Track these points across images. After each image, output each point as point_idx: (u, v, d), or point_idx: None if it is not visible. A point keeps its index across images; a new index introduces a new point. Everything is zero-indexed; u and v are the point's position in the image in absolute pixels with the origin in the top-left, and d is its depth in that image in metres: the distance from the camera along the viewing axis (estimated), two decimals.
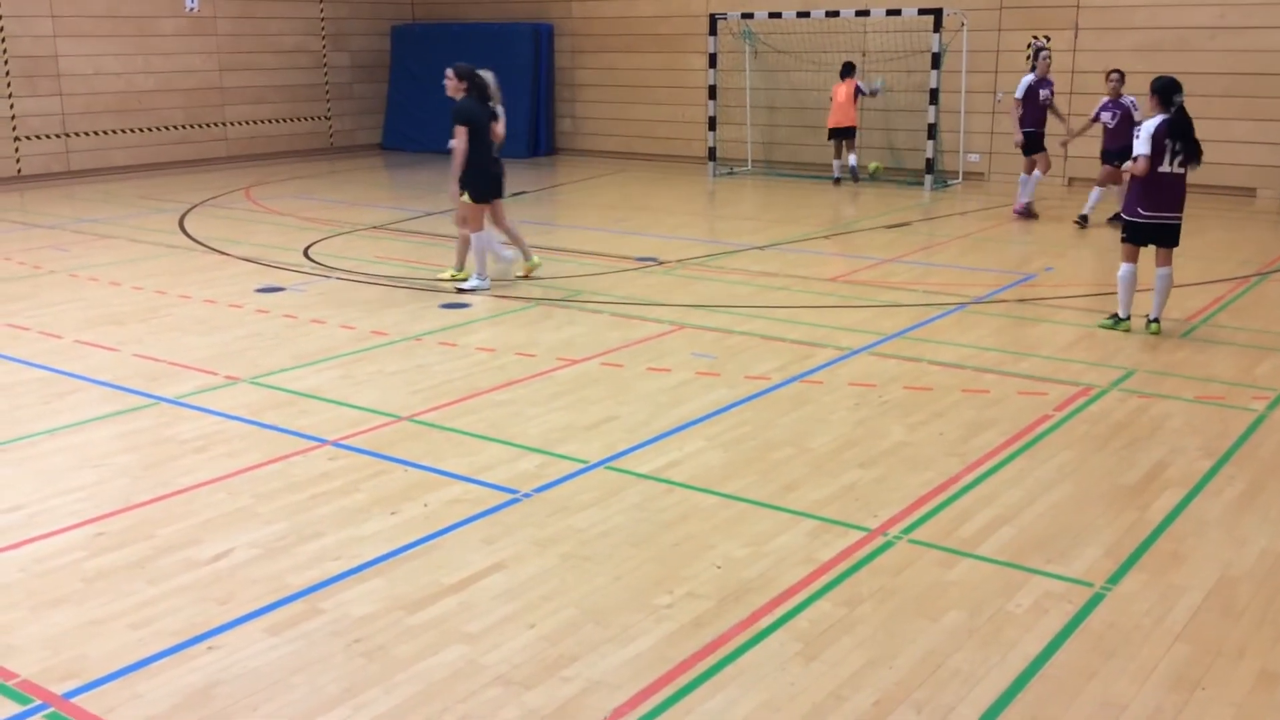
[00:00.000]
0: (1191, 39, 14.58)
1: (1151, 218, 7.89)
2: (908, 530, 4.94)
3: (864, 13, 16.04)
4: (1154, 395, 6.80)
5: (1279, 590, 4.43)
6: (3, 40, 16.21)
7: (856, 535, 4.89)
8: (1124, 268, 8.12)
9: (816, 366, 7.37)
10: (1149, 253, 8.09)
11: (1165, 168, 7.77)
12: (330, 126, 20.74)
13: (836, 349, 7.75)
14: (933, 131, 15.59)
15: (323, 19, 20.29)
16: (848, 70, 15.77)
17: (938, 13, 15.25)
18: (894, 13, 15.74)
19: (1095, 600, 4.33)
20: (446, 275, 9.87)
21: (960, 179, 16.20)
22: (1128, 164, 7.98)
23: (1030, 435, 6.10)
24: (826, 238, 12.09)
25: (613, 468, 5.69)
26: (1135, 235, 8.02)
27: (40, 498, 5.34)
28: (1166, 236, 7.96)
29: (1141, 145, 7.74)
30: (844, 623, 4.17)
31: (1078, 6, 15.35)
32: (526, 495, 5.35)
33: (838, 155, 16.06)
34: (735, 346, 7.85)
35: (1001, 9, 15.87)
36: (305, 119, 20.25)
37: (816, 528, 4.97)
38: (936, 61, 15.39)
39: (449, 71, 9.45)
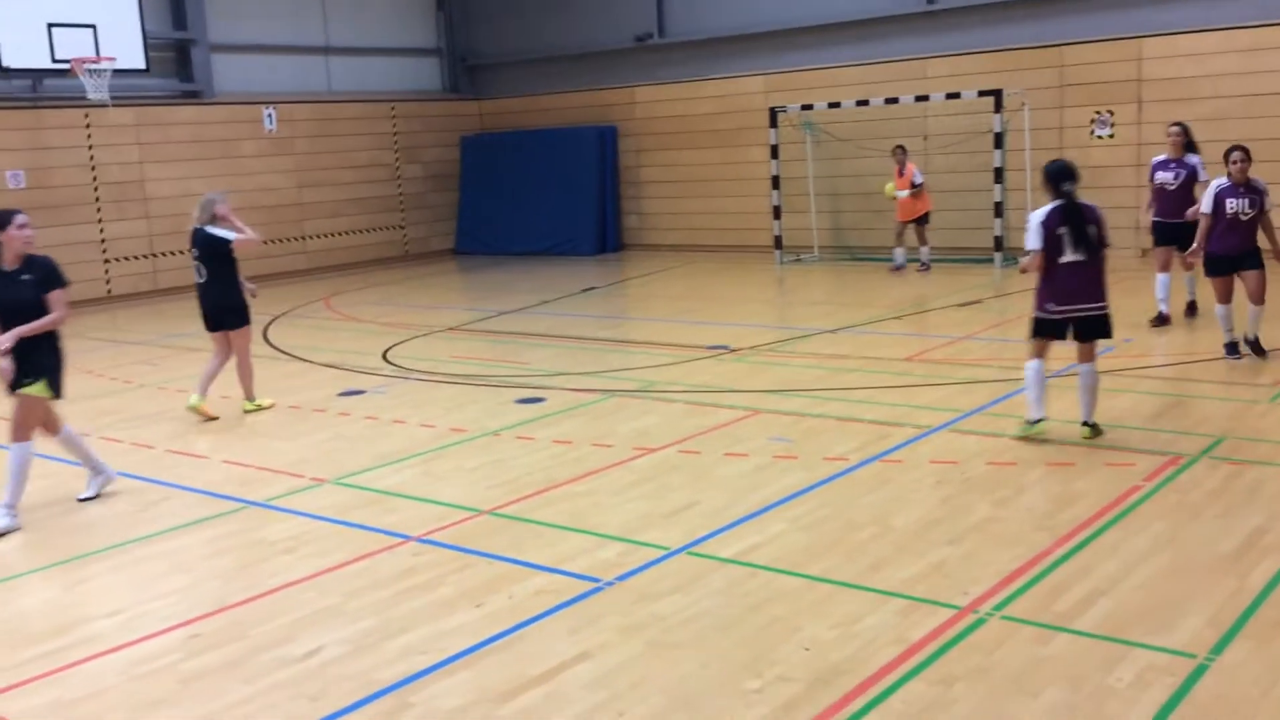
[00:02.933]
0: (1261, 106, 14.46)
1: (1063, 312, 7.09)
2: (1000, 607, 4.83)
3: (923, 98, 16.20)
4: (1245, 461, 6.62)
5: None
6: (93, 169, 17.04)
7: (947, 613, 4.79)
8: (1031, 364, 7.23)
9: (895, 446, 7.31)
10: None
11: (1068, 257, 6.98)
12: (405, 235, 21.34)
13: (915, 427, 7.68)
14: (999, 210, 15.57)
15: (395, 133, 21.03)
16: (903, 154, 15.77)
17: (998, 93, 15.35)
18: (953, 96, 15.87)
19: (1199, 671, 4.19)
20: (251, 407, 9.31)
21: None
22: (1024, 260, 7.24)
23: (1121, 506, 5.96)
24: (897, 319, 12.06)
25: (695, 553, 5.67)
26: (1044, 330, 7.21)
27: (136, 602, 5.47)
28: (1086, 329, 7.13)
29: (1032, 238, 7.05)
30: (939, 703, 4.08)
31: (1139, 80, 15.35)
32: (609, 584, 5.34)
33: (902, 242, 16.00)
34: (812, 429, 7.83)
35: (1063, 87, 15.93)
36: (381, 229, 20.87)
37: (905, 607, 4.88)
38: (1000, 141, 15.45)
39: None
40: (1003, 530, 5.72)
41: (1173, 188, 10.41)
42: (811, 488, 6.57)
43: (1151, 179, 10.60)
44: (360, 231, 20.54)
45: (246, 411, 9.27)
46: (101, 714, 4.37)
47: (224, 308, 9.17)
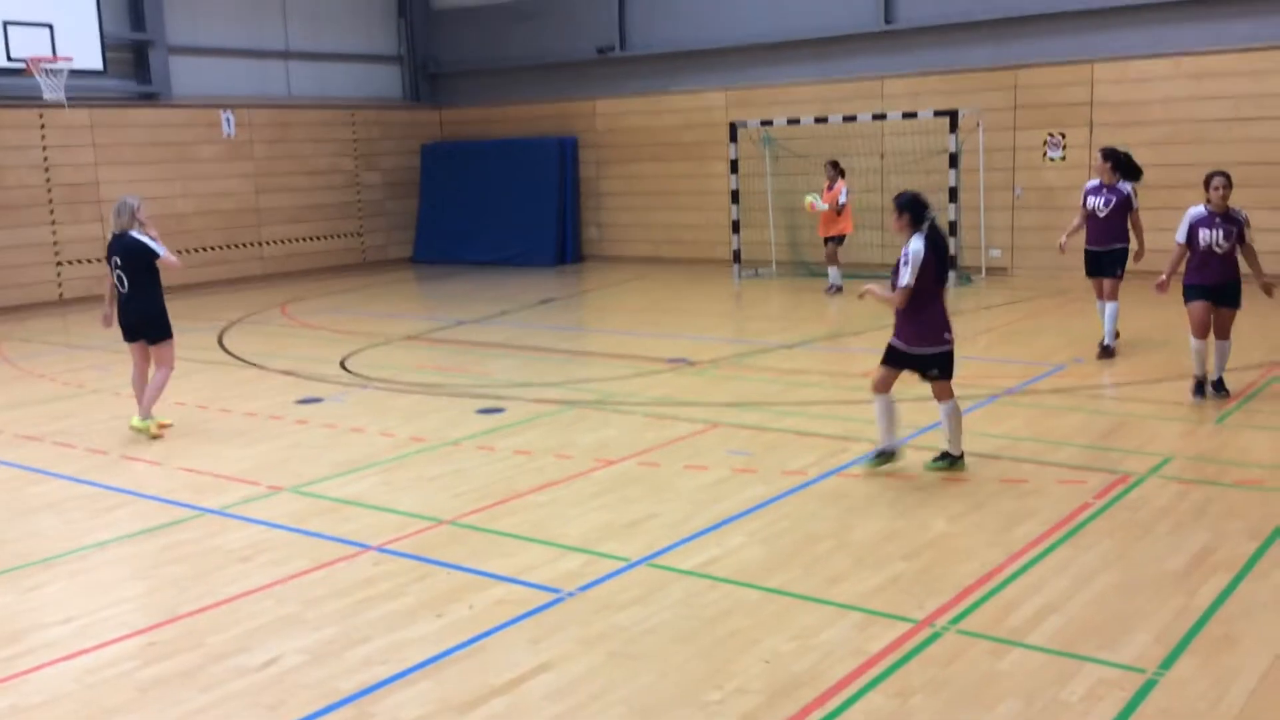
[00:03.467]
0: (1208, 131, 14.81)
1: (937, 346, 6.89)
2: (956, 620, 4.92)
3: (880, 116, 16.41)
4: (1194, 481, 6.78)
5: None
6: (47, 170, 16.80)
7: (904, 627, 4.87)
8: (881, 399, 7.05)
9: (853, 460, 7.40)
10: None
11: (936, 288, 6.84)
12: (363, 242, 21.23)
13: (871, 442, 7.75)
14: (954, 229, 15.79)
15: (355, 140, 20.93)
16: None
17: (953, 114, 15.59)
18: (910, 115, 16.09)
19: (1149, 686, 4.29)
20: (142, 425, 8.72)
21: (984, 274, 16.34)
22: (897, 295, 6.81)
23: (1072, 523, 6.08)
24: (855, 334, 12.19)
25: (655, 565, 5.71)
26: (898, 362, 6.98)
27: (91, 609, 5.41)
28: (945, 366, 6.94)
29: (908, 275, 6.67)
30: (898, 715, 4.14)
31: (1091, 103, 15.66)
32: (570, 594, 5.37)
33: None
34: (770, 443, 7.90)
35: (1016, 108, 16.21)
36: (339, 236, 20.75)
37: (863, 620, 4.96)
38: (955, 161, 15.68)
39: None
40: (958, 545, 5.82)
41: (1103, 214, 10.12)
42: (771, 501, 6.63)
43: (1083, 203, 10.35)
44: (318, 238, 20.40)
45: (133, 428, 8.66)
46: None
47: (147, 319, 8.65)
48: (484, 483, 7.24)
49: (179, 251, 18.20)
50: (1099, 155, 10.28)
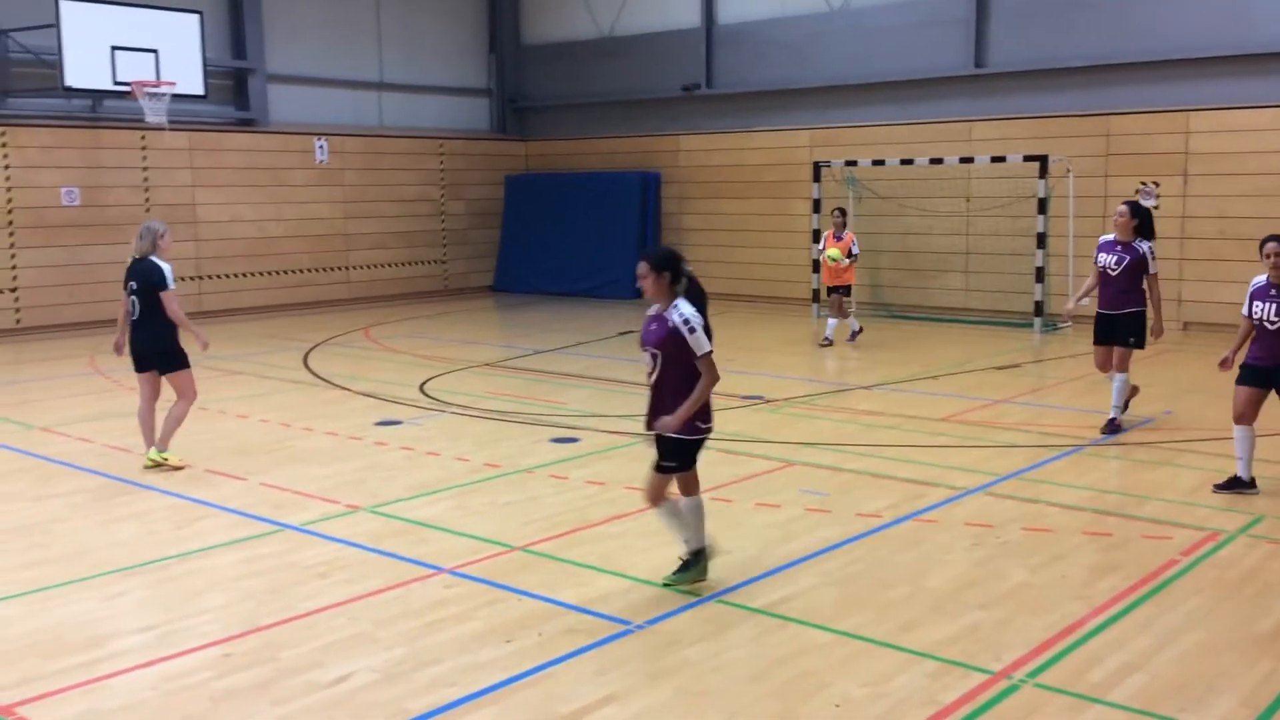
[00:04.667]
0: None
1: (708, 430, 5.79)
2: (1033, 674, 4.79)
3: (968, 159, 16.26)
4: None
5: None
6: (146, 190, 17.37)
7: (979, 678, 4.76)
8: (690, 500, 5.88)
9: (930, 505, 7.28)
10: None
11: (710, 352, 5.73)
12: (446, 270, 21.56)
13: (950, 488, 7.66)
14: (1041, 275, 15.56)
15: (442, 169, 21.32)
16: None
17: (1043, 159, 15.39)
18: (999, 159, 15.92)
19: None
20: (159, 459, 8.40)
21: (1070, 322, 16.02)
22: (686, 405, 5.61)
23: (1157, 580, 5.90)
24: (934, 378, 12.03)
25: (724, 601, 5.66)
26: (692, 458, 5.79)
27: (171, 619, 5.52)
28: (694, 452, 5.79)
29: (703, 341, 5.65)
30: None
31: (1186, 153, 15.35)
32: (639, 627, 5.35)
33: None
34: (845, 484, 7.81)
35: (1108, 155, 15.95)
36: (423, 263, 21.11)
37: (937, 669, 4.85)
38: (1043, 207, 15.47)
39: None
40: (1037, 597, 5.69)
41: (1114, 273, 9.01)
42: (844, 543, 6.55)
43: (1095, 260, 9.27)
44: (402, 264, 20.77)
45: (149, 463, 8.31)
46: None
47: (154, 350, 8.33)
48: (556, 511, 7.27)
49: (270, 273, 18.72)
50: (1121, 208, 9.24)
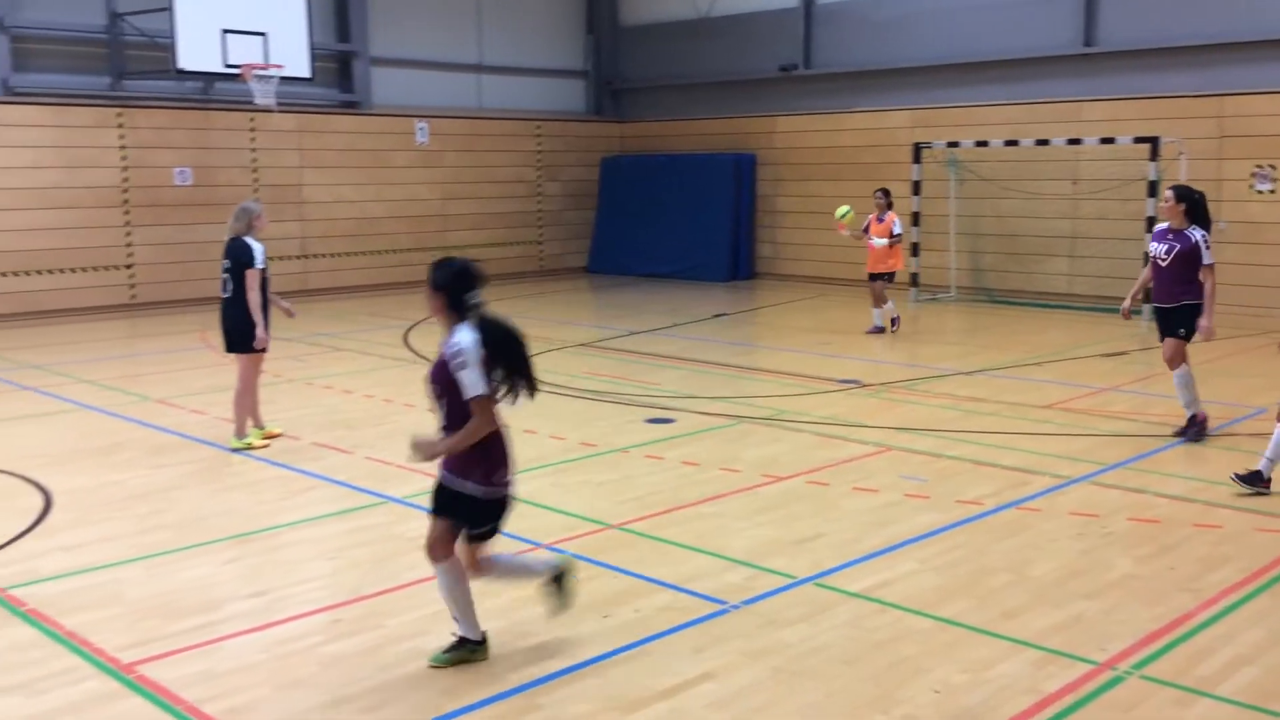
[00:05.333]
0: None
1: (503, 487, 4.77)
2: (1139, 666, 4.69)
3: (1075, 141, 15.84)
4: None
5: None
6: (254, 171, 17.84)
7: (1084, 668, 4.68)
8: (447, 569, 4.75)
9: (1033, 494, 7.15)
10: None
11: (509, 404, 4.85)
12: (541, 250, 21.76)
13: (1054, 477, 7.51)
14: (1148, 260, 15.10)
15: (539, 151, 21.49)
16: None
17: (1154, 141, 14.92)
18: (1108, 141, 15.48)
19: None
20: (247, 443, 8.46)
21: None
22: (453, 436, 4.69)
23: (1271, 574, 5.73)
24: (1037, 365, 11.78)
25: (821, 584, 5.65)
26: (482, 518, 4.73)
27: (282, 585, 5.71)
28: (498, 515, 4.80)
29: (476, 382, 4.62)
30: None
31: None
32: (735, 607, 5.36)
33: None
34: (945, 470, 7.72)
35: (1222, 138, 15.40)
36: (518, 244, 21.34)
37: (1040, 658, 4.78)
38: (1154, 190, 14.99)
39: None
40: (1144, 588, 5.56)
41: (1164, 263, 8.40)
42: (944, 529, 6.48)
43: (1147, 250, 8.86)
44: (498, 245, 21.01)
45: (234, 449, 8.37)
46: (247, 688, 4.57)
47: (236, 330, 8.37)
48: (650, 491, 7.31)
49: (371, 253, 19.10)
50: (1167, 192, 8.63)
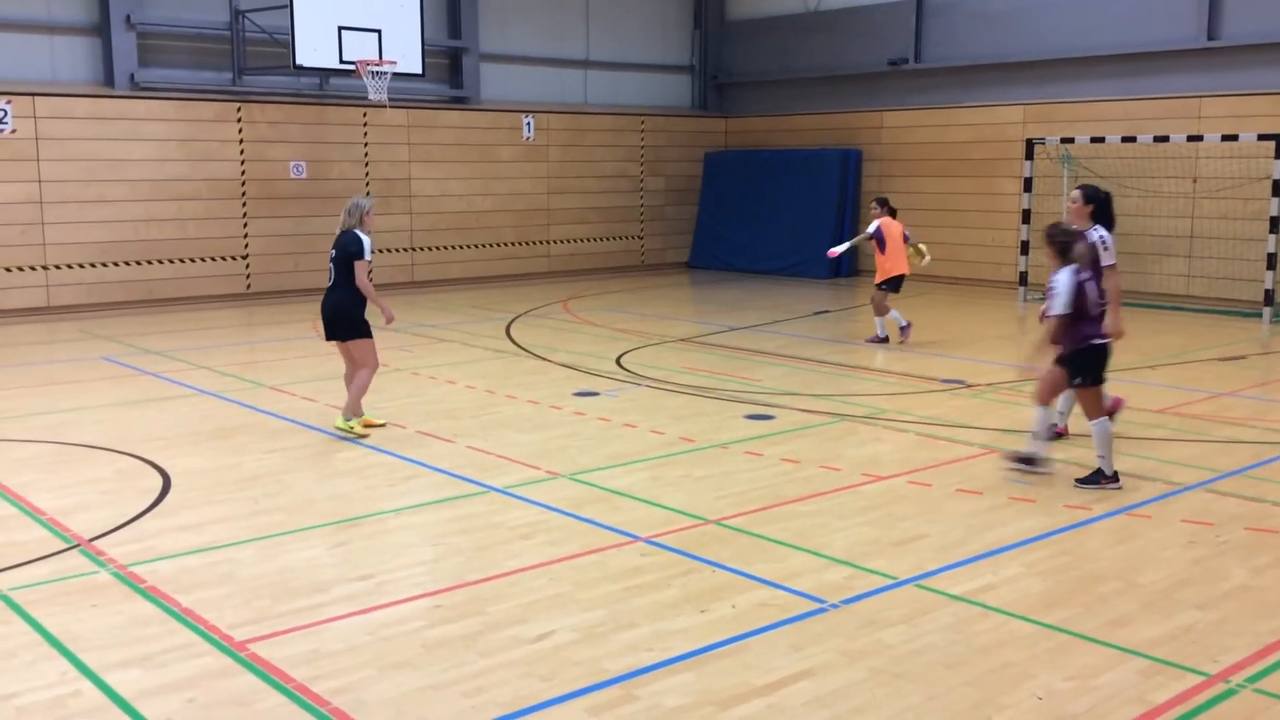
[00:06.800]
0: None
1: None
2: (1253, 679, 4.54)
3: (1196, 138, 15.31)
4: None
5: None
6: (366, 165, 18.27)
7: (1194, 679, 4.54)
8: None
9: (1144, 500, 6.95)
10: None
11: None
12: (643, 245, 21.84)
13: (1166, 483, 7.29)
14: (1272, 261, 14.53)
15: (643, 146, 21.57)
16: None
17: (1279, 138, 14.34)
18: (1230, 138, 14.93)
19: None
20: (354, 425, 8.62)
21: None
22: None
23: None
24: (1151, 368, 11.43)
25: (923, 586, 5.58)
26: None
27: (387, 569, 5.85)
28: None
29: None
30: None
31: None
32: (834, 606, 5.33)
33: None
34: (1051, 475, 7.54)
35: None
36: (620, 238, 21.45)
37: (1148, 667, 4.65)
38: (1277, 189, 14.41)
39: None
40: (1260, 600, 5.37)
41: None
42: (1050, 534, 6.34)
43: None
44: (601, 239, 21.16)
45: (337, 428, 8.62)
46: (352, 669, 4.70)
47: (338, 316, 8.62)
48: (750, 487, 7.30)
49: (476, 246, 19.41)
50: (1075, 193, 8.31)
